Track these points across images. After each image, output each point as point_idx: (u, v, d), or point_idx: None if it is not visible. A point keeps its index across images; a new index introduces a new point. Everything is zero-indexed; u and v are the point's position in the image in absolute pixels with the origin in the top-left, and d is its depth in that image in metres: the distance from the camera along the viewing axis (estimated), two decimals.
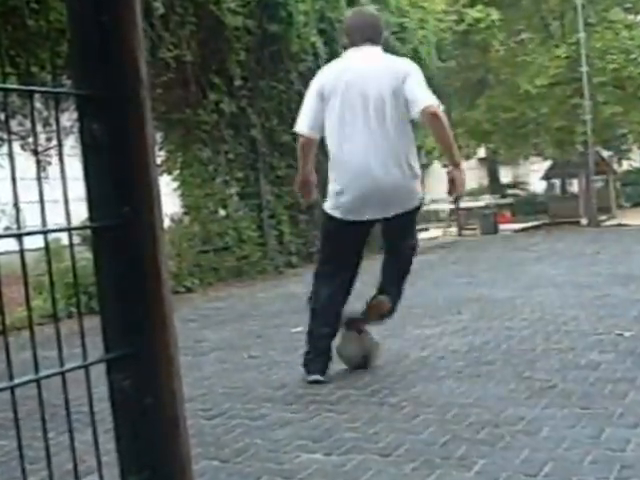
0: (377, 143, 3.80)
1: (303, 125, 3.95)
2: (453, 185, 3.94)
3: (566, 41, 18.31)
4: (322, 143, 4.05)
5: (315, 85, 3.95)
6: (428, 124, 3.90)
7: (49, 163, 7.85)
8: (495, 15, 17.54)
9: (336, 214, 3.95)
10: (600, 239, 12.62)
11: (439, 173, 33.70)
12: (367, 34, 3.94)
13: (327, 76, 3.95)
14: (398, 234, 4.13)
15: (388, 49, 4.22)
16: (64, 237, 1.02)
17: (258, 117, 10.15)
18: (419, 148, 25.15)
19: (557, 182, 25.38)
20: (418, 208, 4.11)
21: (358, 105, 3.80)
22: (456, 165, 3.94)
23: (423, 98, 3.78)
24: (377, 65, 3.90)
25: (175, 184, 9.72)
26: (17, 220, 1.00)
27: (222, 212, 9.92)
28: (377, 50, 3.96)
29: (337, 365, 4.19)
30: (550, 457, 2.50)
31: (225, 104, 9.57)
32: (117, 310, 0.95)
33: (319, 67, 10.43)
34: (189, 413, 1.66)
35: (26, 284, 0.96)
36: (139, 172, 0.93)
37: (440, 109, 3.82)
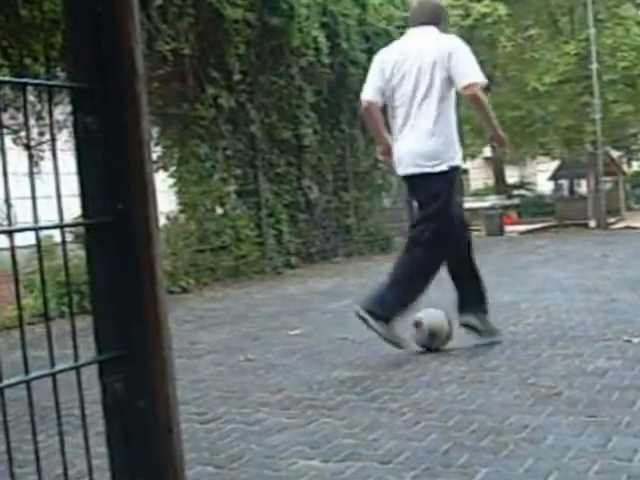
0: (417, 110, 4.40)
1: (366, 94, 4.57)
2: (498, 145, 4.81)
3: (575, 37, 18.32)
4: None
5: (376, 61, 4.61)
6: (467, 100, 4.47)
7: (42, 158, 7.85)
8: (502, 10, 17.54)
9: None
10: (609, 242, 12.62)
11: None
12: (422, 18, 4.55)
13: (386, 52, 4.61)
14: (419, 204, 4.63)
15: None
16: (56, 234, 1.03)
17: (257, 113, 10.15)
18: None
19: (565, 183, 25.39)
20: (444, 175, 4.39)
21: (409, 78, 4.41)
22: (495, 129, 4.58)
23: (465, 75, 4.34)
24: (425, 42, 4.45)
25: (171, 181, 9.72)
26: (8, 216, 1.00)
27: (219, 210, 9.93)
28: (429, 30, 4.50)
29: (336, 371, 4.19)
30: (555, 466, 2.50)
31: (223, 99, 9.57)
32: (110, 310, 0.95)
33: (320, 62, 10.54)
34: (183, 417, 1.65)
35: (17, 282, 0.96)
36: (134, 168, 0.93)
37: (478, 87, 4.35)
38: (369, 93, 4.54)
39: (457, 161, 4.49)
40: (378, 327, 4.27)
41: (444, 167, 4.37)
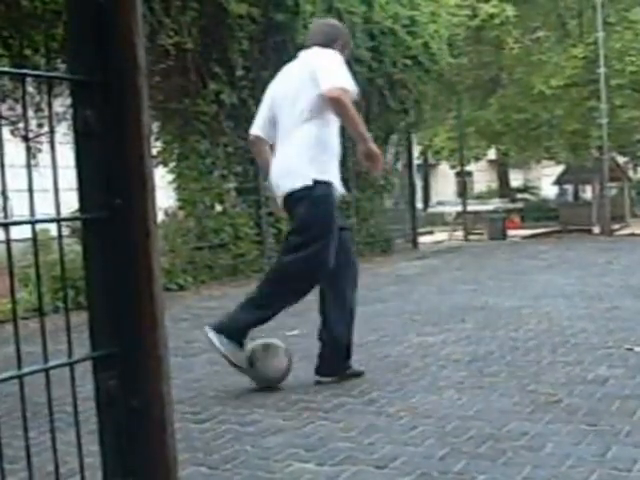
0: (286, 130, 4.07)
1: (253, 127, 4.30)
2: (371, 161, 4.07)
3: (584, 41, 18.32)
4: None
5: (267, 91, 4.37)
6: (330, 105, 3.96)
7: (40, 150, 7.85)
8: (510, 11, 17.53)
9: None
10: (613, 249, 12.62)
11: (446, 174, 33.78)
12: (315, 39, 4.24)
13: (273, 81, 4.37)
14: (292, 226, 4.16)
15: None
16: (53, 228, 1.03)
17: None
18: (428, 147, 24.98)
19: (569, 188, 25.39)
20: (307, 191, 3.94)
21: (283, 101, 4.13)
22: (365, 141, 4.03)
23: (329, 79, 3.92)
24: (300, 62, 4.18)
25: (170, 177, 9.72)
26: (4, 209, 1.00)
27: (218, 207, 9.92)
28: (316, 51, 4.15)
29: None
30: (553, 475, 2.50)
31: (226, 95, 9.56)
32: (106, 306, 0.95)
33: None
34: (177, 416, 1.65)
35: (11, 276, 0.96)
36: (133, 163, 0.93)
37: (342, 91, 3.90)
38: (254, 126, 4.27)
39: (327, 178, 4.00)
40: (223, 348, 3.81)
41: (308, 182, 3.95)
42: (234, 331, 3.87)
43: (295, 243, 4.00)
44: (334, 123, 4.06)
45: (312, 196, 3.92)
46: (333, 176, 4.03)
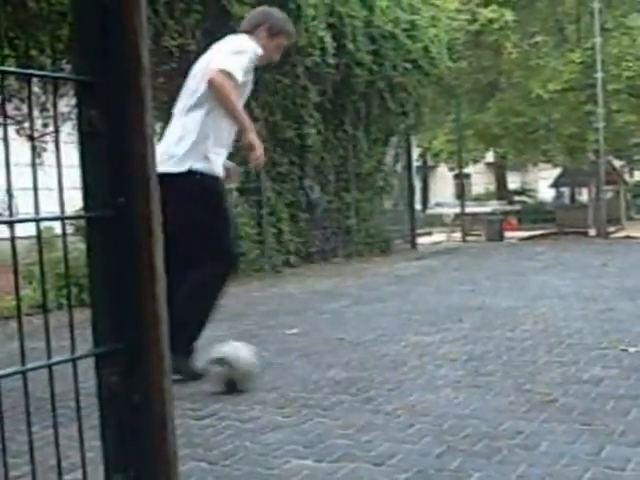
0: (178, 110, 4.01)
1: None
2: (252, 152, 4.00)
3: (581, 46, 18.32)
4: None
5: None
6: (208, 87, 3.83)
7: (45, 149, 7.85)
8: (509, 16, 17.52)
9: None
10: (608, 251, 12.62)
11: (445, 176, 33.77)
12: (242, 27, 4.17)
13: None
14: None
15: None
16: (57, 226, 1.02)
17: (262, 111, 10.14)
18: (427, 149, 24.90)
19: (566, 191, 25.41)
20: (188, 177, 3.81)
21: (186, 81, 4.04)
22: (245, 130, 3.92)
23: (215, 62, 3.80)
24: (211, 51, 4.03)
25: None
26: (9, 207, 1.00)
27: None
28: (233, 37, 4.07)
29: (332, 371, 4.20)
30: (547, 473, 2.50)
31: None
32: (108, 304, 0.95)
33: (326, 62, 10.54)
34: (178, 412, 1.65)
35: (16, 273, 0.96)
36: (137, 162, 0.93)
37: (221, 73, 3.74)
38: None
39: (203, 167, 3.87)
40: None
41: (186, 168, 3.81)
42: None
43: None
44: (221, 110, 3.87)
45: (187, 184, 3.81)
46: (215, 164, 3.92)
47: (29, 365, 0.92)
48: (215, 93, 3.78)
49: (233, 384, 3.73)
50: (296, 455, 2.79)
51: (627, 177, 27.19)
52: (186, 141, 3.85)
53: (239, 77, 3.80)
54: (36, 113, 7.63)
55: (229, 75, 3.76)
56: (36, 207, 0.96)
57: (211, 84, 3.76)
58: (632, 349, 4.40)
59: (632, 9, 19.57)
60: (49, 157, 7.07)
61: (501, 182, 28.27)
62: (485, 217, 19.09)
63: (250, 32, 4.07)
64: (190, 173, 3.82)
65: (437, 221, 23.61)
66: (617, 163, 24.26)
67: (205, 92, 3.84)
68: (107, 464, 0.96)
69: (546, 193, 29.20)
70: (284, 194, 10.64)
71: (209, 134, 3.90)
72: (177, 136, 3.89)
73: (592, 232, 18.22)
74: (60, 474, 0.99)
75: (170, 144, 3.88)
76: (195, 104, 3.89)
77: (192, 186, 3.83)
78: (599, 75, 16.86)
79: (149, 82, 0.94)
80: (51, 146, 7.70)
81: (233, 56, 3.83)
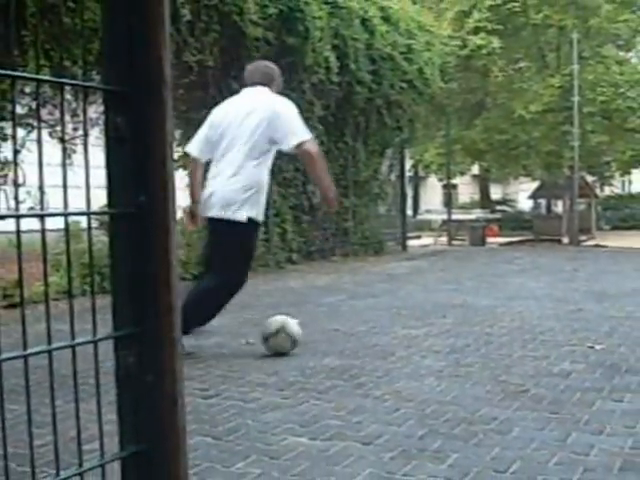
0: (228, 160, 4.15)
1: (191, 147, 4.40)
2: (327, 204, 4.49)
3: (560, 72, 18.31)
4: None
5: (209, 116, 4.36)
6: (300, 157, 4.26)
7: (74, 151, 7.83)
8: (496, 43, 17.52)
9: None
10: (579, 257, 12.61)
11: (434, 186, 33.74)
12: (254, 79, 4.36)
13: (217, 108, 4.38)
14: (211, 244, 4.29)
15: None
16: (83, 220, 1.02)
17: None
18: (419, 161, 24.90)
19: (543, 202, 25.39)
20: (239, 226, 4.10)
21: (227, 130, 4.17)
22: (327, 190, 4.28)
23: (296, 133, 4.11)
24: (253, 102, 4.22)
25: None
26: (41, 202, 1.00)
27: None
28: (259, 90, 4.31)
29: (328, 358, 4.19)
30: (518, 456, 2.50)
31: None
32: (127, 292, 0.95)
33: (330, 80, 10.53)
34: (187, 392, 1.65)
35: (45, 261, 0.96)
36: (157, 165, 0.93)
37: (309, 143, 4.13)
38: (193, 147, 4.36)
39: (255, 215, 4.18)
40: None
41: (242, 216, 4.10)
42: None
43: (220, 266, 4.19)
44: (269, 165, 4.25)
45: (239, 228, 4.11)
46: (260, 212, 4.24)
47: (54, 345, 0.92)
48: (310, 164, 4.19)
49: (294, 345, 4.23)
50: (293, 433, 2.79)
51: (598, 191, 27.15)
52: (248, 192, 4.11)
53: (311, 136, 4.22)
54: (67, 118, 7.63)
55: (314, 143, 4.21)
56: (65, 203, 0.96)
57: (308, 157, 4.14)
58: (598, 346, 4.40)
59: (607, 40, 19.58)
60: (78, 158, 7.03)
61: (484, 193, 28.27)
62: (469, 224, 19.08)
63: (266, 85, 4.33)
64: (246, 221, 4.13)
65: (426, 226, 23.58)
66: (589, 178, 24.25)
67: (268, 150, 4.17)
68: (122, 436, 0.96)
69: (525, 204, 29.17)
70: (288, 198, 10.63)
71: (264, 187, 4.23)
72: (240, 185, 4.11)
73: (565, 240, 18.21)
74: (79, 444, 0.99)
75: (232, 191, 4.11)
76: (257, 157, 4.13)
77: (243, 228, 4.13)
78: (576, 99, 16.87)
79: (170, 93, 0.94)
80: (80, 148, 7.68)
81: (300, 122, 4.18)
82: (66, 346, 0.94)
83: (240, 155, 4.10)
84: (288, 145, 4.08)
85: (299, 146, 4.06)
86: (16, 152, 4.74)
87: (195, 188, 4.35)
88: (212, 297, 4.21)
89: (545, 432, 2.76)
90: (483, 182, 28.57)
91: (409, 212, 19.92)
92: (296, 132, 4.09)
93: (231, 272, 4.18)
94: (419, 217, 26.65)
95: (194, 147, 4.34)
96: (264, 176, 4.20)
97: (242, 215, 4.09)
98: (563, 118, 17.89)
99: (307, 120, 10.63)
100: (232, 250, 4.16)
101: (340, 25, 10.70)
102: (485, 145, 19.97)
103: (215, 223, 4.16)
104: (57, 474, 0.94)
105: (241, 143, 4.10)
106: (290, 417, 3.00)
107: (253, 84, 4.33)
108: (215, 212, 4.13)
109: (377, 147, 13.37)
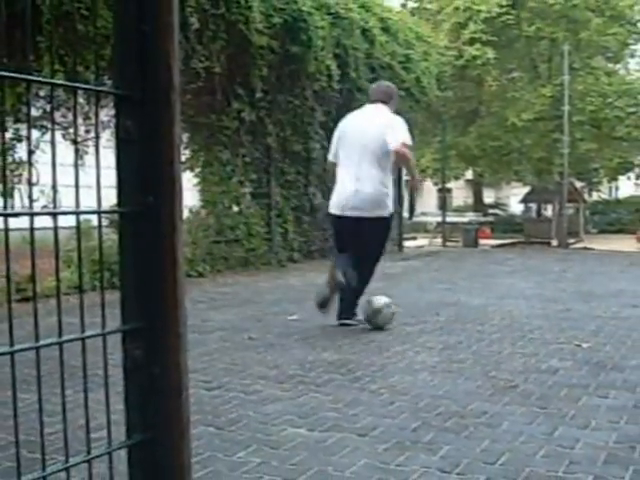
0: (362, 169, 4.93)
1: (330, 156, 5.27)
2: (413, 185, 5.51)
3: (551, 82, 18.30)
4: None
5: (336, 130, 5.23)
6: (398, 156, 4.95)
7: (86, 152, 7.82)
8: (491, 54, 17.52)
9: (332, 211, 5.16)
10: (567, 259, 12.61)
11: (430, 190, 33.73)
12: (376, 97, 5.18)
13: (343, 123, 5.22)
14: (367, 237, 5.02)
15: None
16: (94, 219, 1.03)
17: (274, 127, 10.13)
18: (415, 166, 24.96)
19: (533, 206, 25.35)
20: (386, 220, 5.03)
21: (353, 139, 4.99)
22: (415, 178, 5.34)
23: (392, 141, 4.86)
24: (373, 117, 5.02)
25: (196, 180, 9.70)
26: (54, 200, 1.00)
27: (235, 208, 9.90)
28: (379, 107, 5.08)
29: (326, 353, 4.19)
30: (507, 448, 2.51)
31: (246, 113, 9.55)
32: (135, 287, 0.95)
33: (331, 87, 10.53)
34: (191, 384, 1.65)
35: (57, 257, 0.96)
36: (165, 167, 0.93)
37: (404, 147, 4.87)
38: (330, 155, 5.23)
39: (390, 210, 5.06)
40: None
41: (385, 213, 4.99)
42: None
43: (376, 252, 5.09)
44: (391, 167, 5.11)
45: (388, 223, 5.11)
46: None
47: (65, 337, 0.92)
48: (404, 161, 5.06)
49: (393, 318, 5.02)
50: (292, 424, 2.79)
51: (586, 196, 27.14)
52: (389, 197, 5.01)
53: (410, 143, 5.03)
54: (80, 121, 7.62)
55: (409, 146, 4.95)
56: (77, 202, 0.96)
57: (401, 156, 4.91)
58: (585, 345, 4.40)
59: (597, 52, 19.56)
60: (89, 159, 7.05)
61: (478, 196, 28.24)
62: (463, 226, 19.05)
63: (386, 102, 5.11)
64: (388, 215, 5.04)
65: (421, 228, 23.55)
66: (578, 184, 24.23)
67: (392, 162, 5.00)
68: (129, 425, 0.96)
69: (516, 207, 29.13)
70: (290, 199, 10.63)
71: (391, 186, 5.09)
72: (382, 192, 4.96)
73: (554, 243, 18.19)
74: (88, 432, 1.00)
75: (378, 194, 4.95)
76: (387, 169, 4.98)
77: (385, 222, 5.04)
78: (566, 108, 16.86)
79: (178, 98, 0.94)
80: (92, 150, 7.68)
81: (404, 131, 4.93)
82: (76, 338, 0.94)
83: (373, 163, 4.89)
84: (392, 146, 4.83)
85: (398, 149, 4.83)
86: (30, 153, 4.72)
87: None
88: (369, 278, 5.11)
89: (533, 426, 2.76)
90: (476, 186, 28.54)
91: (405, 214, 19.90)
92: (398, 139, 4.84)
93: (381, 254, 5.14)
94: (415, 219, 26.62)
95: (331, 155, 5.20)
96: (390, 177, 5.07)
97: (388, 211, 5.01)
98: (554, 126, 17.88)
99: (309, 125, 10.73)
100: (384, 238, 5.15)
101: (341, 35, 10.70)
102: (479, 151, 19.96)
103: (366, 221, 4.91)
104: (66, 460, 0.95)
105: (370, 152, 4.88)
106: (289, 409, 3.00)
107: (375, 101, 5.13)
108: (367, 213, 4.92)
109: None
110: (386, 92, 5.20)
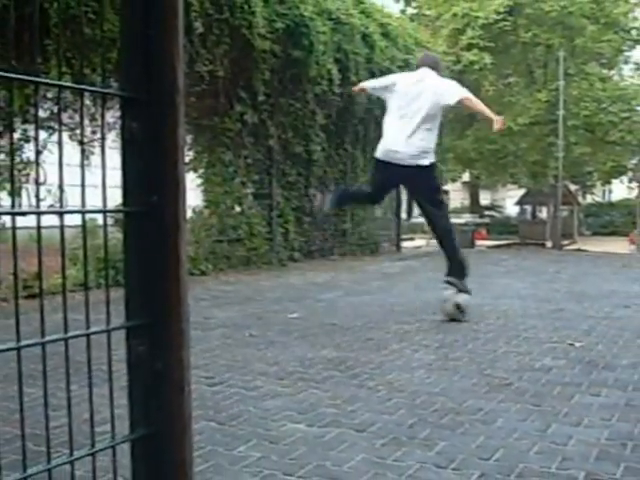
0: (405, 126, 5.20)
1: (368, 83, 5.87)
2: (491, 122, 5.45)
3: (547, 87, 18.32)
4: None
5: (392, 77, 5.67)
6: (464, 105, 5.38)
7: (92, 153, 7.80)
8: (488, 59, 17.54)
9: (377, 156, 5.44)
10: (561, 260, 12.61)
11: None
12: (426, 63, 5.50)
13: (399, 77, 5.61)
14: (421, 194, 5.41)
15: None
16: (99, 218, 1.02)
17: (276, 129, 10.14)
18: None
19: (528, 208, 25.37)
20: (429, 168, 5.24)
21: (406, 95, 5.26)
22: (491, 117, 5.39)
23: (458, 92, 5.25)
24: (428, 78, 5.33)
25: (199, 181, 9.69)
26: (60, 200, 1.00)
27: (237, 208, 9.91)
28: (430, 72, 5.39)
29: (325, 350, 4.19)
30: (502, 445, 2.50)
31: (248, 115, 9.56)
32: (140, 285, 0.95)
33: (332, 91, 10.53)
34: (193, 379, 1.65)
35: (63, 255, 0.96)
36: (169, 167, 0.93)
37: (469, 95, 5.26)
38: (369, 83, 5.78)
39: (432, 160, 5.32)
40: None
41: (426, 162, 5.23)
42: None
43: (435, 200, 5.33)
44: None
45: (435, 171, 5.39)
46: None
47: (71, 333, 0.92)
48: (472, 106, 5.33)
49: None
50: (291, 420, 2.79)
51: (580, 199, 27.15)
52: (431, 150, 5.26)
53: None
54: (87, 122, 7.62)
55: (470, 94, 5.31)
56: (82, 201, 0.96)
57: (469, 102, 5.26)
58: (578, 344, 4.40)
59: (591, 58, 19.58)
60: (95, 159, 7.03)
61: (474, 198, 28.27)
62: (459, 227, 19.01)
63: (434, 68, 5.42)
64: (431, 164, 5.26)
65: (419, 229, 23.52)
66: (572, 187, 24.26)
67: (438, 119, 5.30)
68: (132, 420, 0.96)
69: (512, 209, 29.17)
70: (291, 200, 10.63)
71: (435, 144, 5.38)
72: (424, 146, 5.19)
73: (549, 244, 18.21)
74: (92, 426, 1.00)
75: (419, 147, 5.18)
76: (431, 126, 5.23)
77: (431, 171, 5.28)
78: (561, 112, 16.87)
79: (183, 100, 0.94)
80: (98, 150, 7.67)
81: (458, 86, 5.37)
82: (81, 335, 0.94)
83: (425, 120, 5.16)
84: (453, 99, 5.18)
85: (461, 100, 5.17)
86: (38, 153, 4.73)
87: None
88: (448, 225, 5.51)
89: (527, 423, 2.76)
90: (473, 188, 28.57)
91: (403, 215, 19.90)
92: (456, 92, 5.22)
93: (441, 202, 5.45)
94: (413, 220, 26.59)
95: (369, 85, 5.68)
96: (436, 137, 5.37)
97: (429, 161, 5.22)
98: (549, 130, 17.90)
99: (310, 128, 10.73)
100: (433, 183, 5.40)
101: (342, 40, 10.71)
102: (476, 154, 19.98)
103: (410, 169, 5.16)
104: (71, 454, 0.94)
105: (426, 109, 5.15)
106: (289, 405, 3.00)
107: (424, 66, 5.42)
108: (410, 161, 5.15)
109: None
110: (434, 60, 5.60)
